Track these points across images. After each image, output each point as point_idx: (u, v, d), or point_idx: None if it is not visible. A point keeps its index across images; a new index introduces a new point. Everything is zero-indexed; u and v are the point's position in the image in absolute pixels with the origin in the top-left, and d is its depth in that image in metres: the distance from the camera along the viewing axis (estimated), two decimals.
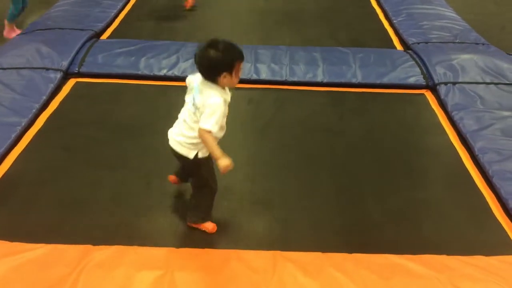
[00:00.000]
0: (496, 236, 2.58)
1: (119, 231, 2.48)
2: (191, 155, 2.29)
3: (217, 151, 2.17)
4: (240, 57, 2.19)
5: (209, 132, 2.14)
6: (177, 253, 2.32)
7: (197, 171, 2.39)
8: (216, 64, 2.13)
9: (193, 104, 2.21)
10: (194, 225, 2.52)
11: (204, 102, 2.16)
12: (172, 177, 2.73)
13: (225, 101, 2.21)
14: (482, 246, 2.51)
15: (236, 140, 3.25)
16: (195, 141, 2.26)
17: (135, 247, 2.33)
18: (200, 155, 2.30)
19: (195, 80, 2.27)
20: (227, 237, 2.51)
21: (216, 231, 2.52)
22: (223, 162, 2.15)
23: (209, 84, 2.19)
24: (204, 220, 2.51)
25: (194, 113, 2.22)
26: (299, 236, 2.55)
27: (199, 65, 2.18)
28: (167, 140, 3.08)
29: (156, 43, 4.31)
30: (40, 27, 4.46)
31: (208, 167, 2.37)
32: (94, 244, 2.34)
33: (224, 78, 2.16)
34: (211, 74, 2.17)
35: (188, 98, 2.30)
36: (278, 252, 2.38)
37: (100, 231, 2.47)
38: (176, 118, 2.40)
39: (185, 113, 2.29)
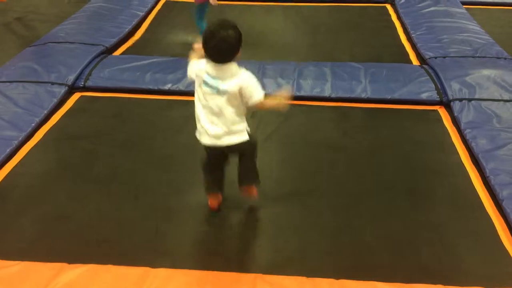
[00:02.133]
0: (501, 266, 2.37)
1: (99, 248, 2.42)
2: (247, 136, 2.38)
3: (274, 102, 2.37)
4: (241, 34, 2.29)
5: (263, 100, 2.30)
6: (152, 274, 2.22)
7: (251, 143, 2.45)
8: (238, 41, 2.22)
9: (218, 92, 2.25)
10: (253, 191, 2.64)
11: (238, 84, 2.24)
12: (216, 200, 2.63)
13: None
14: (484, 276, 2.30)
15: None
16: (243, 121, 2.37)
17: (109, 266, 2.25)
18: (249, 131, 2.41)
19: (200, 67, 2.30)
20: (209, 257, 2.42)
21: (197, 250, 2.45)
22: (284, 93, 2.36)
23: (225, 67, 2.23)
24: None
25: (228, 100, 2.27)
26: (286, 257, 2.42)
27: (219, 49, 2.19)
28: (161, 153, 3.02)
29: (165, 59, 4.27)
30: (52, 39, 4.50)
31: (253, 135, 2.48)
32: (70, 262, 2.28)
33: (239, 55, 2.27)
34: (233, 52, 2.23)
35: (205, 93, 2.29)
36: (259, 276, 2.25)
37: (79, 248, 2.42)
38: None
39: (217, 107, 2.28)
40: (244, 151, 2.48)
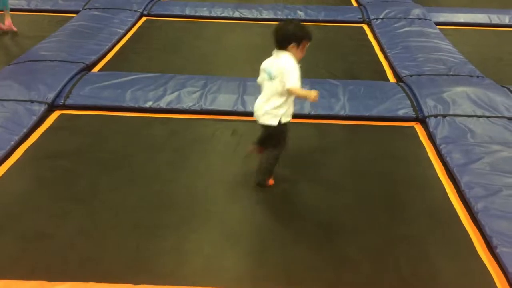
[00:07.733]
0: (478, 276, 2.43)
1: (80, 266, 2.40)
2: (275, 122, 2.78)
3: (305, 92, 2.72)
4: (307, 36, 2.77)
5: (295, 87, 2.67)
6: None
7: (278, 134, 2.86)
8: (289, 35, 2.71)
9: (270, 78, 2.71)
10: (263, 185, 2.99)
11: (281, 68, 2.68)
12: (254, 147, 3.08)
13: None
14: (461, 286, 2.36)
15: (215, 172, 3.18)
16: (281, 107, 2.76)
17: (91, 283, 2.24)
18: (283, 121, 2.80)
19: (267, 64, 2.78)
20: (194, 272, 2.41)
21: (183, 265, 2.45)
22: (313, 93, 2.70)
23: (281, 52, 2.72)
24: (271, 174, 3.01)
25: (272, 85, 2.72)
26: (270, 272, 2.44)
27: (276, 35, 2.74)
28: (142, 171, 3.13)
29: (145, 76, 4.30)
30: (32, 58, 4.50)
31: (285, 131, 2.88)
32: (51, 280, 2.26)
33: (292, 48, 2.72)
34: (284, 43, 2.72)
35: (262, 80, 2.81)
36: None
37: (60, 266, 2.39)
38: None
39: (265, 93, 2.78)
40: (271, 136, 2.86)
